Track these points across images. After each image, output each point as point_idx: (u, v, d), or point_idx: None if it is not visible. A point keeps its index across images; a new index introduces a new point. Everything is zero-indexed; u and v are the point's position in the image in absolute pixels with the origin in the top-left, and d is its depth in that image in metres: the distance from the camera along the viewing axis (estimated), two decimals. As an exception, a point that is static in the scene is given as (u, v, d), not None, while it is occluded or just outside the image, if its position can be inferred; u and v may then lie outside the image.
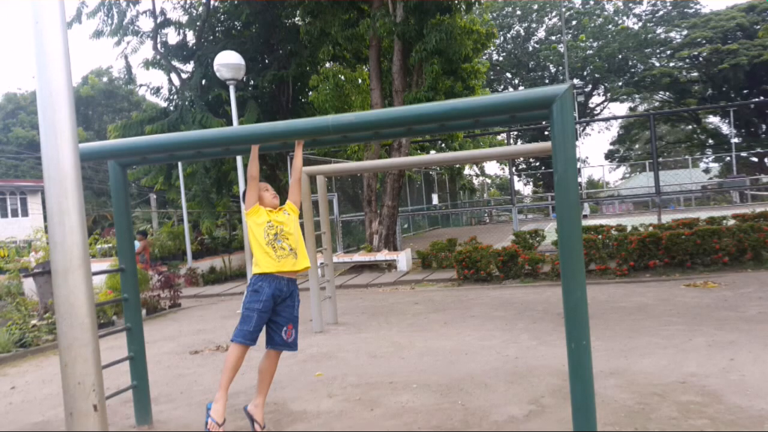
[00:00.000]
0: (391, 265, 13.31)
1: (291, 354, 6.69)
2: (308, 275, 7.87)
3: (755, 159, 35.87)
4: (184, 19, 19.61)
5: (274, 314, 4.15)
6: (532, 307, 8.22)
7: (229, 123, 16.00)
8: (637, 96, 41.82)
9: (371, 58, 14.80)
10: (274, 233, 4.05)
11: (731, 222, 11.55)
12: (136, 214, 37.88)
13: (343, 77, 18.21)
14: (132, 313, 4.67)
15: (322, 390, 5.23)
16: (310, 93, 19.87)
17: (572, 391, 3.21)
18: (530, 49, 42.75)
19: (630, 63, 39.72)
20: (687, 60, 36.63)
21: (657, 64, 39.07)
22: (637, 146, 46.96)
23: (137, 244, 13.93)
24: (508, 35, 42.56)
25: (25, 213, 32.89)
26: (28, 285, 11.32)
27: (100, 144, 4.18)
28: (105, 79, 44.19)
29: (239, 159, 10.74)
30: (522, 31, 42.69)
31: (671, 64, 38.05)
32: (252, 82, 19.05)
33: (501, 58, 42.98)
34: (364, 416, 4.48)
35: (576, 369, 3.18)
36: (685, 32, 36.89)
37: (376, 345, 6.76)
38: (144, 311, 10.49)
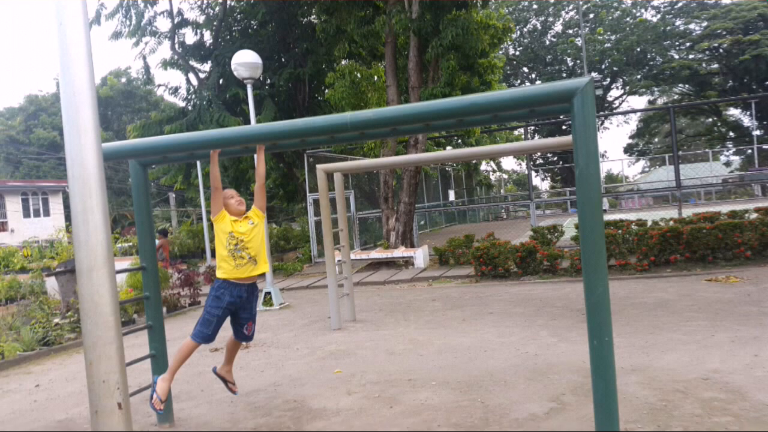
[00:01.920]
0: (408, 262, 13.30)
1: (309, 351, 6.76)
2: (326, 273, 7.89)
3: (778, 151, 35.26)
4: (201, 19, 19.77)
5: (234, 315, 4.50)
6: (552, 304, 8.16)
7: (247, 121, 16.11)
8: (656, 89, 41.26)
9: (387, 54, 14.77)
10: (234, 243, 4.30)
11: (753, 215, 11.35)
12: (155, 213, 38.26)
13: (359, 74, 18.19)
14: (153, 311, 4.73)
15: (342, 387, 5.24)
16: (327, 91, 19.91)
17: (594, 388, 3.18)
18: (547, 43, 42.37)
19: (648, 56, 39.17)
20: (707, 52, 36.07)
21: (676, 57, 38.51)
22: (656, 140, 46.41)
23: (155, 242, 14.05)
24: (525, 29, 42.21)
25: (46, 213, 33.37)
26: (51, 284, 11.49)
27: (121, 144, 4.22)
28: (123, 80, 44.63)
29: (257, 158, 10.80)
30: (539, 25, 42.32)
31: (691, 57, 37.50)
32: (269, 81, 19.14)
33: (518, 53, 42.66)
34: (383, 413, 4.48)
35: (598, 366, 3.15)
36: (704, 24, 36.30)
37: (394, 342, 6.76)
38: (164, 309, 10.60)
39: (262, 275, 4.38)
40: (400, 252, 13.46)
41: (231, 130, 3.99)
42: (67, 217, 35.02)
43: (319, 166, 7.72)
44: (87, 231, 1.98)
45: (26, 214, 32.07)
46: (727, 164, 36.90)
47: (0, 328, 8.59)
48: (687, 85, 39.55)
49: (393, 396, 4.86)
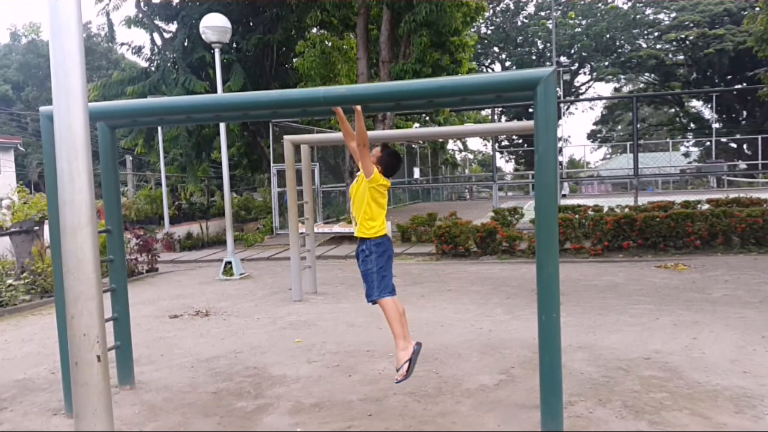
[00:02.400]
0: (371, 237, 13.42)
1: (270, 321, 6.86)
2: (288, 245, 7.96)
3: (734, 145, 36.46)
4: (168, -23, 19.20)
5: None
6: (508, 283, 8.41)
7: (213, 86, 15.84)
8: (622, 76, 42.04)
9: (359, 26, 14.69)
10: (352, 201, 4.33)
11: (705, 206, 11.84)
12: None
13: (330, 44, 18.04)
14: (117, 274, 4.73)
15: (302, 356, 5.37)
16: (296, 59, 19.68)
17: (541, 362, 3.38)
18: (519, 23, 42.56)
19: (617, 43, 39.80)
20: (674, 43, 36.82)
21: (644, 46, 39.22)
22: (619, 127, 47.37)
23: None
24: (498, 9, 42.29)
25: (-4, 171, 32.21)
26: (3, 244, 11.24)
27: (92, 105, 4.17)
28: (83, 35, 43.13)
29: (222, 125, 10.71)
30: (512, 5, 42.45)
31: (658, 46, 38.23)
32: (236, 45, 18.81)
33: (489, 32, 42.75)
34: (342, 381, 4.63)
35: (545, 341, 3.35)
36: (673, 14, 37.02)
37: (354, 315, 6.91)
38: (123, 273, 10.50)
39: (363, 239, 4.18)
40: (363, 226, 13.57)
41: (204, 97, 4.02)
42: (20, 176, 33.91)
43: (286, 137, 7.73)
44: (72, 191, 2.03)
45: (-6, 172, 30.89)
46: (686, 155, 37.99)
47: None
48: (653, 75, 40.38)
49: (352, 365, 5.01)
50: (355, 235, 4.30)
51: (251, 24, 19.06)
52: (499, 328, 6.01)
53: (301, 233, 8.92)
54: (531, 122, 7.03)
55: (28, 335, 6.75)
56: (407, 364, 3.95)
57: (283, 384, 4.65)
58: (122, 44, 27.43)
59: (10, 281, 8.97)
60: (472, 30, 32.96)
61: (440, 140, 31.14)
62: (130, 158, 33.21)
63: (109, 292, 4.74)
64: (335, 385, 4.56)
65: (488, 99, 3.86)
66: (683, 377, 4.35)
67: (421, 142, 29.89)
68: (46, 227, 14.24)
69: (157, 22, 19.20)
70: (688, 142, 38.78)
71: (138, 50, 20.59)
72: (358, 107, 3.98)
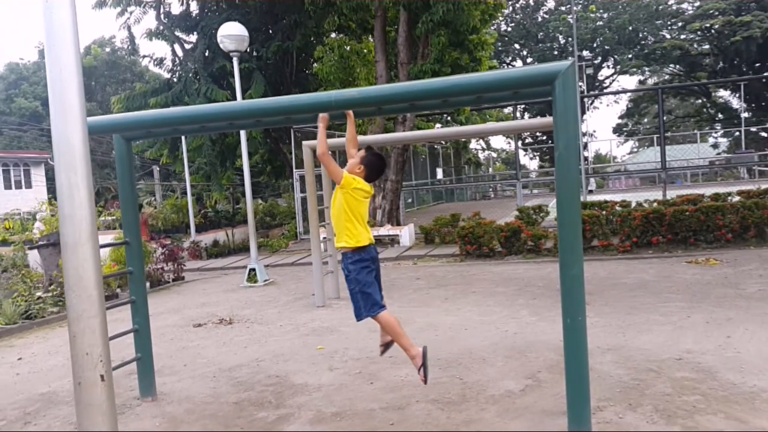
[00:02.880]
0: (393, 240, 13.35)
1: (293, 327, 6.81)
2: (311, 249, 7.92)
3: (765, 134, 35.52)
4: (187, -12, 19.39)
5: None
6: (533, 284, 8.25)
7: (235, 95, 15.95)
8: (647, 69, 41.25)
9: (376, 29, 14.62)
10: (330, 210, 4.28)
11: (736, 198, 11.49)
12: (139, 186, 37.93)
13: (348, 48, 18.01)
14: (137, 286, 4.74)
15: (323, 363, 5.30)
16: (315, 65, 19.69)
17: (567, 366, 3.26)
18: (539, 19, 42.09)
19: (640, 35, 39.08)
20: (698, 32, 36.01)
21: (668, 36, 38.45)
22: (645, 120, 46.54)
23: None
24: (517, 5, 41.89)
25: (28, 185, 32.90)
26: (33, 257, 11.43)
27: (106, 118, 4.20)
28: (108, 50, 43.87)
29: (243, 133, 10.76)
30: (531, 1, 42.02)
31: (682, 37, 37.44)
32: (256, 53, 18.90)
33: (509, 29, 42.37)
34: (364, 389, 4.56)
35: (571, 345, 3.23)
36: (697, 3, 36.23)
37: (377, 319, 6.81)
38: (148, 284, 10.55)
39: (344, 249, 4.04)
40: (386, 230, 13.51)
41: (215, 106, 3.98)
42: (50, 190, 34.63)
43: (305, 143, 7.70)
44: (72, 206, 1.99)
45: (7, 186, 31.58)
46: (715, 146, 37.14)
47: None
48: (678, 66, 39.56)
49: (374, 372, 4.93)
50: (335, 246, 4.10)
51: (270, 32, 19.15)
52: (525, 331, 5.87)
53: (324, 238, 8.89)
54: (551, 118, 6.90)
55: (55, 348, 6.81)
56: (423, 362, 3.88)
57: (305, 393, 4.59)
58: (144, 56, 27.80)
59: (39, 293, 9.10)
60: (492, 28, 32.72)
61: (462, 140, 30.91)
62: (157, 168, 33.68)
63: (130, 304, 4.75)
64: (357, 393, 4.49)
65: (505, 96, 3.75)
66: (717, 378, 4.18)
67: (443, 142, 29.74)
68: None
69: (177, 33, 19.41)
70: (716, 132, 37.90)
71: (160, 62, 20.86)
72: (350, 112, 3.88)
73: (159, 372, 5.34)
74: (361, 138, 10.36)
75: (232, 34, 9.94)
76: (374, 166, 4.07)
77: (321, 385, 4.74)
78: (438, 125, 26.44)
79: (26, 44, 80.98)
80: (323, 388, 4.65)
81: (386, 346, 4.27)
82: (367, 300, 4.02)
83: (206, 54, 18.41)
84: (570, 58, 32.50)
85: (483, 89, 3.32)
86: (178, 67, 19.88)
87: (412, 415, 4.00)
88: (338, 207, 3.96)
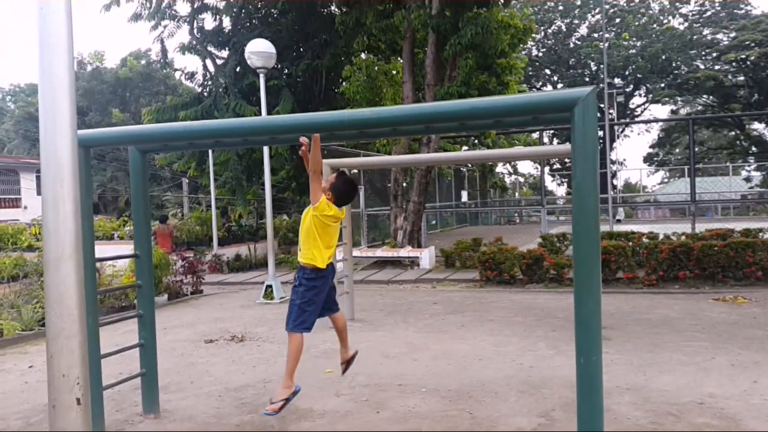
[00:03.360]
0: (413, 262, 13.20)
1: (304, 348, 6.66)
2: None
3: (800, 169, 34.62)
4: (221, 4, 19.69)
5: None
6: (553, 314, 8.02)
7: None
8: (679, 98, 40.67)
9: (405, 50, 14.64)
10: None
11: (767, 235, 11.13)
12: (167, 197, 38.40)
13: (377, 68, 18.09)
14: (145, 300, 4.66)
15: (331, 388, 5.17)
16: (344, 84, 19.80)
17: (579, 408, 3.09)
18: (571, 45, 41.91)
19: (674, 64, 38.59)
20: (733, 63, 35.43)
21: (702, 67, 37.89)
22: (677, 150, 45.78)
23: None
24: (549, 31, 41.79)
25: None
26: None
27: (122, 129, 4.18)
28: (143, 62, 44.80)
29: (266, 149, 10.78)
30: (563, 27, 41.88)
31: (717, 67, 36.86)
32: (286, 71, 19.07)
33: (541, 54, 42.26)
34: (369, 419, 4.41)
35: (584, 386, 3.06)
36: (733, 34, 35.69)
37: (390, 344, 6.68)
38: (166, 296, 10.60)
39: (303, 264, 4.22)
40: (406, 252, 13.37)
41: (228, 122, 3.95)
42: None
43: (324, 162, 7.62)
44: (57, 220, 1.93)
45: (39, 192, 32.23)
46: (748, 179, 36.29)
47: (2, 305, 8.63)
48: (711, 97, 38.93)
49: (381, 401, 4.79)
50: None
51: (301, 50, 19.34)
52: (542, 365, 5.66)
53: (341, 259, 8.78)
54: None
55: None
56: (282, 403, 4.09)
57: (309, 418, 4.46)
58: (176, 70, 28.28)
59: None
60: (523, 52, 32.65)
61: (489, 163, 30.72)
62: (186, 180, 34.09)
63: (136, 318, 4.69)
64: (362, 422, 4.34)
65: (524, 121, 3.63)
66: (741, 426, 3.94)
67: (469, 165, 29.58)
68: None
69: (209, 48, 19.70)
70: (749, 166, 37.04)
71: (191, 76, 21.20)
72: (317, 135, 3.93)
73: (165, 388, 5.27)
74: (380, 158, 10.34)
75: (259, 50, 10.00)
76: (342, 193, 4.23)
77: (326, 411, 4.61)
78: (465, 148, 26.34)
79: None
80: (328, 415, 4.52)
81: (347, 364, 4.55)
82: (300, 316, 4.23)
83: (237, 70, 18.63)
84: (600, 85, 32.25)
85: (501, 113, 3.21)
86: (209, 82, 20.15)
87: (416, 449, 3.84)
88: (307, 227, 4.13)
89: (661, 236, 11.88)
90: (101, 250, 15.11)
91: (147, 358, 4.63)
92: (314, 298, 4.20)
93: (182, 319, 8.86)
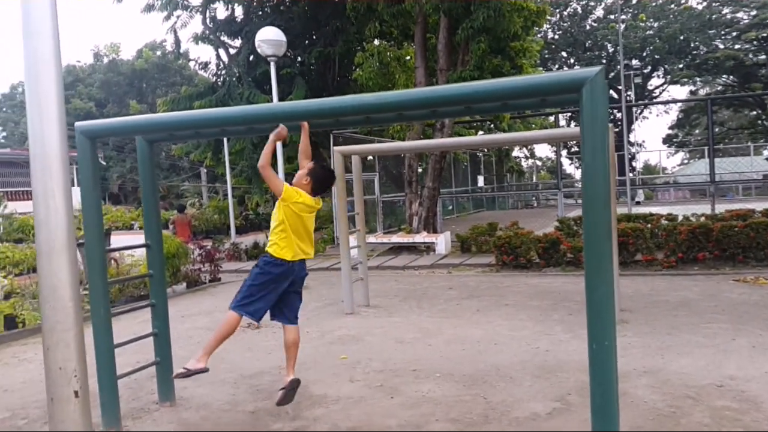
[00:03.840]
0: (429, 248, 13.16)
1: (319, 335, 6.72)
2: (340, 256, 7.82)
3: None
4: (233, -7, 19.69)
5: None
6: (570, 298, 7.95)
7: (278, 99, 16.03)
8: (698, 79, 39.96)
9: (417, 35, 14.51)
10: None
11: (790, 215, 10.90)
12: (186, 187, 38.70)
13: (390, 54, 17.97)
14: (157, 289, 4.70)
15: (345, 374, 5.18)
16: (357, 70, 19.72)
17: (592, 394, 3.04)
18: (587, 27, 41.32)
19: (692, 44, 37.88)
20: (754, 42, 34.69)
21: (721, 46, 37.15)
22: (697, 131, 45.06)
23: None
24: (565, 13, 41.20)
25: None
26: (78, 255, 11.68)
27: (126, 119, 4.19)
28: (158, 53, 45.01)
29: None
30: (579, 9, 41.26)
31: (736, 47, 36.12)
32: (299, 59, 19.04)
33: (557, 37, 41.71)
34: (382, 404, 4.41)
35: (597, 372, 3.02)
36: (753, 12, 34.89)
37: (404, 330, 6.67)
38: (184, 284, 10.70)
39: (267, 252, 4.27)
40: (422, 237, 13.33)
41: (235, 109, 3.95)
42: (102, 189, 35.62)
43: (335, 149, 7.62)
44: (47, 213, 1.90)
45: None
46: (769, 159, 35.61)
47: (24, 296, 8.76)
48: (731, 76, 38.19)
49: (395, 386, 4.78)
50: None
51: (314, 37, 19.28)
52: (558, 349, 5.62)
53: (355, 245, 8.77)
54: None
55: (88, 346, 6.85)
56: (186, 372, 4.14)
57: (323, 405, 4.47)
58: (190, 60, 28.33)
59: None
60: (538, 35, 32.19)
61: (504, 148, 30.46)
62: (204, 170, 34.30)
63: (150, 308, 4.72)
64: (375, 407, 4.34)
65: (532, 103, 3.57)
66: (762, 409, 3.87)
67: (485, 149, 29.36)
68: (113, 238, 14.71)
69: (222, 38, 19.73)
70: (771, 145, 36.34)
71: (204, 66, 21.29)
72: (305, 123, 4.02)
73: (180, 376, 5.31)
74: (392, 144, 10.29)
75: (269, 38, 9.96)
76: (321, 179, 4.23)
77: (340, 397, 4.62)
78: (480, 133, 26.14)
79: (82, 47, 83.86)
80: (342, 401, 4.53)
81: (286, 392, 4.19)
82: (246, 297, 4.17)
83: (250, 59, 18.66)
84: (618, 67, 31.64)
85: (506, 95, 3.14)
86: (223, 71, 20.21)
87: (429, 434, 3.83)
88: (278, 218, 4.13)
89: (680, 218, 11.70)
90: (120, 239, 15.30)
91: (161, 347, 4.67)
92: (267, 284, 4.14)
93: (200, 307, 8.93)
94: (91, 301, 4.04)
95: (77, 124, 3.91)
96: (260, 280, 4.13)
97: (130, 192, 41.26)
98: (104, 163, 38.15)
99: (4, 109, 47.50)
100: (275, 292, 4.20)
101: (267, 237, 13.37)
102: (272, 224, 4.19)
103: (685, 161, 48.67)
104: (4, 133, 45.68)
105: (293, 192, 4.06)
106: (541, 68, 33.73)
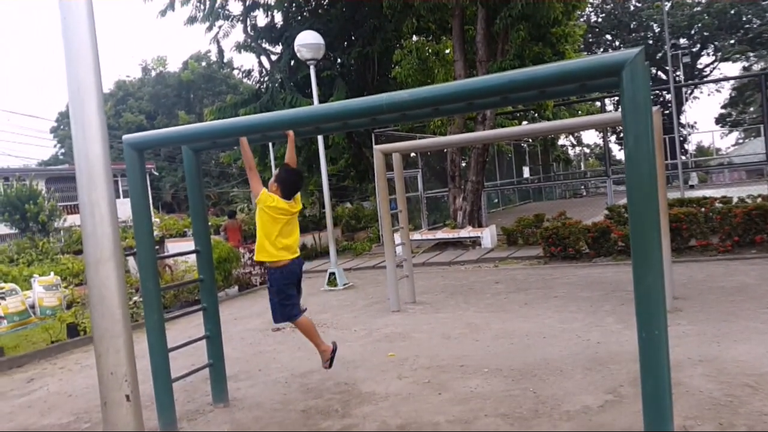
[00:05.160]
0: (475, 242, 13.07)
1: (366, 333, 6.77)
2: (384, 254, 7.85)
3: None
4: (272, 0, 19.94)
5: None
6: (622, 288, 7.76)
7: (320, 102, 16.21)
8: (751, 54, 38.26)
9: (454, 28, 14.39)
10: None
11: None
12: (235, 193, 39.50)
13: (429, 50, 17.90)
14: (208, 294, 4.81)
15: (393, 371, 5.20)
16: (396, 68, 19.73)
17: (643, 385, 2.98)
18: (631, 8, 40.16)
19: (743, 18, 36.32)
20: (812, 11, 33.04)
21: (776, 18, 35.50)
22: (752, 109, 43.16)
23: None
24: (607, -5, 40.16)
25: (127, 194, 35.07)
26: (132, 263, 12.08)
27: (170, 130, 4.31)
28: (204, 64, 46.06)
29: (320, 139, 10.89)
30: (621, -10, 40.14)
31: (793, 17, 34.46)
32: (339, 60, 19.15)
33: (600, 20, 40.69)
34: (431, 400, 4.41)
35: (647, 362, 2.95)
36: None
37: (451, 326, 6.65)
38: (236, 288, 10.94)
39: (265, 264, 4.66)
40: (467, 232, 13.24)
41: (274, 115, 3.98)
42: (155, 198, 36.79)
43: (376, 147, 7.65)
44: (93, 223, 1.99)
45: (116, 196, 33.81)
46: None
47: (84, 305, 9.12)
48: (788, 50, 36.46)
49: (443, 382, 4.78)
50: None
51: (352, 38, 19.35)
52: (609, 340, 5.50)
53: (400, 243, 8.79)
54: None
55: (141, 352, 7.06)
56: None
57: (371, 402, 4.50)
58: (234, 69, 28.85)
59: (135, 298, 9.58)
60: (581, 19, 31.48)
61: (550, 136, 29.91)
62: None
63: (202, 311, 4.85)
64: (424, 404, 4.35)
65: (571, 89, 3.50)
66: (828, 397, 3.71)
67: (529, 140, 28.91)
68: (168, 245, 15.14)
69: (264, 45, 20.01)
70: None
71: (248, 74, 21.62)
72: (291, 132, 4.29)
73: (235, 377, 5.45)
74: (432, 140, 10.22)
75: (308, 42, 10.06)
76: (287, 182, 4.48)
77: (388, 394, 4.64)
78: (525, 123, 25.76)
79: (132, 62, 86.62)
80: (390, 398, 4.55)
81: (330, 362, 4.68)
82: (284, 309, 4.54)
83: (291, 64, 18.87)
84: (665, 47, 30.62)
85: (543, 83, 3.09)
86: (265, 78, 20.51)
87: (479, 430, 3.81)
88: (259, 222, 4.42)
89: (735, 200, 11.26)
90: (174, 246, 15.69)
91: (213, 350, 4.79)
92: (286, 290, 4.51)
93: (251, 309, 9.12)
94: (145, 307, 4.18)
95: (125, 137, 4.06)
96: (284, 290, 4.53)
97: (183, 200, 42.37)
98: (157, 174, 39.31)
99: (63, 127, 49.48)
100: (294, 288, 4.63)
101: (314, 239, 13.41)
102: (258, 229, 4.46)
103: (740, 141, 46.73)
104: (63, 150, 47.55)
105: (267, 196, 4.34)
106: (585, 53, 32.97)
